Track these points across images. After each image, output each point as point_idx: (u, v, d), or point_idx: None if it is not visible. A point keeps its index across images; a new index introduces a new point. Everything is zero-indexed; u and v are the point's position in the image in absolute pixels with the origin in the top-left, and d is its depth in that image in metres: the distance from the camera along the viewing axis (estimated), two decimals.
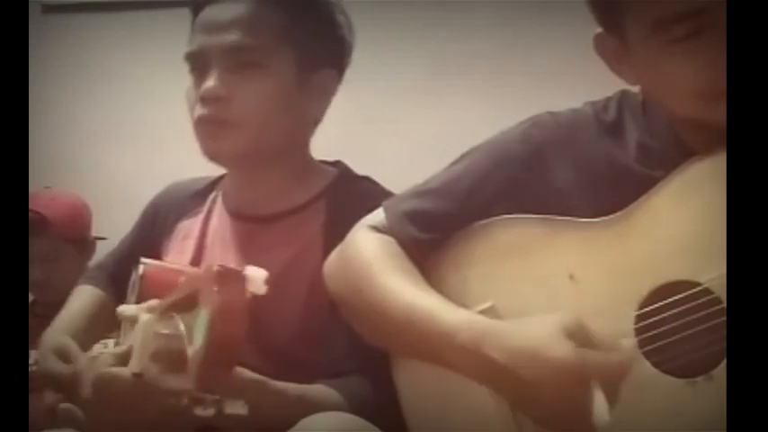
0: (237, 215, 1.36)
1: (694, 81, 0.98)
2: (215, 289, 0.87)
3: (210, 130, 1.28)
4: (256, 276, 0.92)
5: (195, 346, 0.88)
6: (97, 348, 1.14)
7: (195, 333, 0.88)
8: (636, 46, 1.03)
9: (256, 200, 1.35)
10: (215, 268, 0.89)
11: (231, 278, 0.89)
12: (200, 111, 1.28)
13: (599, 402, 0.88)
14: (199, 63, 1.30)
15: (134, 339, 1.03)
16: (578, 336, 0.92)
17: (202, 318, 0.88)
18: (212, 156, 1.31)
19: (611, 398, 0.89)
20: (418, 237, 1.15)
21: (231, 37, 1.28)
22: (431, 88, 2.38)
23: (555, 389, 0.91)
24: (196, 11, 1.34)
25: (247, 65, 1.28)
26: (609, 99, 1.15)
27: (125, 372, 1.03)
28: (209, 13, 1.32)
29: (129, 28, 2.51)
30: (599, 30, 1.08)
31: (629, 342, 0.99)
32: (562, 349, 0.91)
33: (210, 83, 1.27)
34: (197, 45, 1.30)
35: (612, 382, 0.91)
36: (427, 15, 2.41)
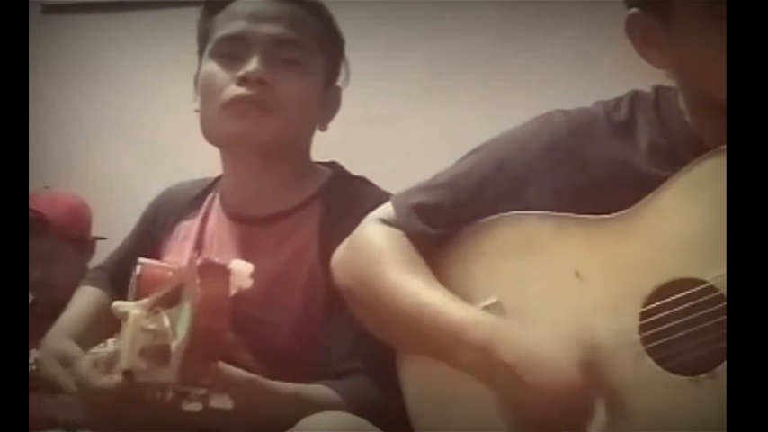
0: (234, 216, 1.36)
1: None
2: (198, 282, 0.87)
3: (246, 110, 1.27)
4: (241, 270, 0.92)
5: (178, 339, 0.88)
6: (95, 350, 1.14)
7: (178, 326, 0.88)
8: (682, 22, 1.03)
9: (252, 201, 1.35)
10: (198, 261, 0.88)
11: (214, 271, 0.89)
12: (237, 91, 1.27)
13: (599, 417, 0.88)
14: (236, 48, 1.30)
15: (124, 337, 1.03)
16: (588, 348, 0.92)
17: (185, 311, 0.87)
18: (237, 138, 1.29)
19: (615, 410, 0.90)
20: (426, 231, 1.15)
21: (279, 29, 1.29)
22: (431, 88, 2.38)
23: (555, 398, 0.92)
24: (220, 5, 1.35)
25: (288, 61, 1.29)
26: (620, 99, 1.15)
27: (112, 380, 1.03)
28: (250, 3, 1.32)
29: (129, 28, 2.51)
30: (634, 10, 1.08)
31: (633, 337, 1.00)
32: (571, 361, 0.91)
33: (253, 66, 1.27)
34: (237, 30, 1.30)
35: (616, 398, 0.91)
36: (427, 15, 2.41)
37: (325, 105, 1.36)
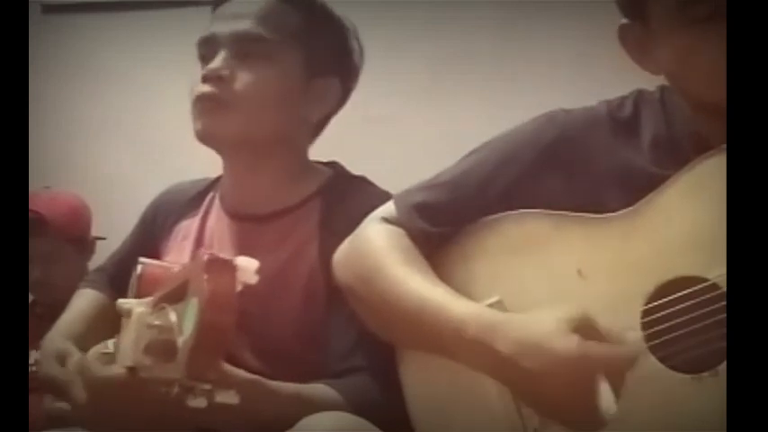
0: (234, 215, 1.36)
1: (722, 63, 0.95)
2: (204, 277, 0.87)
3: (206, 108, 1.28)
4: (247, 266, 0.92)
5: (185, 334, 0.88)
6: (95, 350, 1.14)
7: (185, 322, 0.88)
8: (660, 30, 1.04)
9: (252, 199, 1.35)
10: (205, 257, 0.89)
11: (221, 266, 0.89)
12: (201, 89, 1.29)
13: (605, 394, 0.88)
14: (208, 49, 1.31)
15: (128, 334, 1.03)
16: (584, 328, 0.93)
17: (192, 306, 0.88)
18: (203, 136, 1.30)
19: (616, 390, 0.90)
20: (427, 229, 1.15)
21: (244, 25, 1.30)
22: (431, 88, 2.38)
23: (559, 381, 0.92)
24: (217, 6, 1.36)
25: (255, 55, 1.30)
26: (625, 98, 1.16)
27: (116, 371, 1.03)
28: (229, 5, 1.34)
29: (129, 28, 2.51)
30: (624, 20, 1.09)
31: (635, 334, 1.00)
32: (567, 342, 0.92)
33: (215, 63, 1.29)
34: (209, 31, 1.32)
35: (618, 375, 0.91)
36: (427, 15, 2.41)
37: (310, 99, 1.34)
